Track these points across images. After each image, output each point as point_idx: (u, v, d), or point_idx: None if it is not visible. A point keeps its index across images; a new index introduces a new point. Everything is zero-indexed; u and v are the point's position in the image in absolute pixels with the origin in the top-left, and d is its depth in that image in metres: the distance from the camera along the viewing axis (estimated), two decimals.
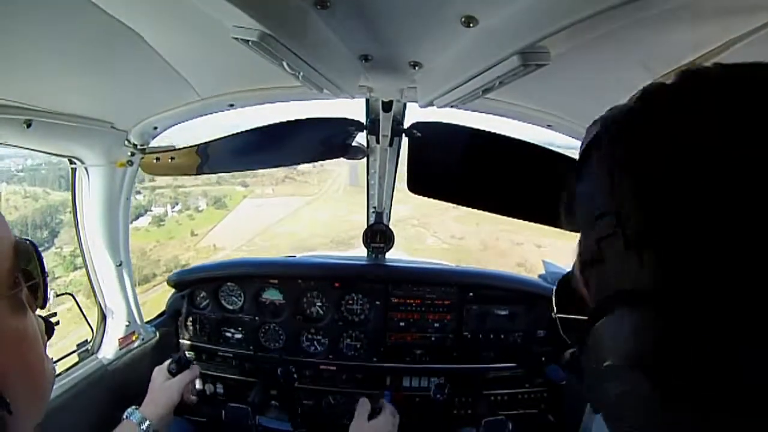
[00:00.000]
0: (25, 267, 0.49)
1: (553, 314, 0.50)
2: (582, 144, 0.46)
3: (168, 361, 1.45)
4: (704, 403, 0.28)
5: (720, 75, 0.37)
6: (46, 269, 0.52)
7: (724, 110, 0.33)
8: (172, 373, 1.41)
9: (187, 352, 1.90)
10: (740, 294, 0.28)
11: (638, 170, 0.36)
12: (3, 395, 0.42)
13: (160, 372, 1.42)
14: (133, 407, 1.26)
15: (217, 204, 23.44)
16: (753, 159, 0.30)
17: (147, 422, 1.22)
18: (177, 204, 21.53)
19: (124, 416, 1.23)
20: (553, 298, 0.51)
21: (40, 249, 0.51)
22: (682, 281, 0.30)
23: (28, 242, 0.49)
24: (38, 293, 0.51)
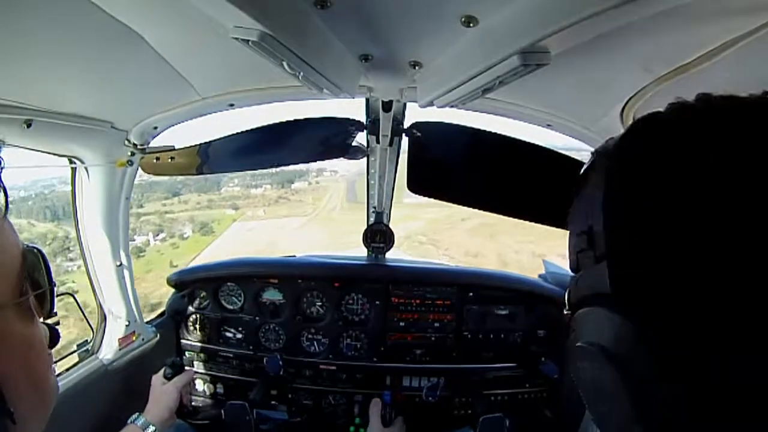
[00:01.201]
0: (33, 275, 0.48)
1: (565, 311, 0.57)
2: (582, 169, 0.52)
3: (163, 368, 1.48)
4: (648, 378, 0.38)
5: (681, 116, 0.44)
6: (53, 278, 0.51)
7: (677, 151, 0.40)
8: (168, 378, 1.45)
9: (187, 352, 1.91)
10: (673, 302, 0.36)
11: (606, 198, 0.43)
12: (7, 404, 0.42)
13: (157, 378, 1.46)
14: (137, 413, 1.29)
15: (203, 230, 21.89)
16: (690, 195, 0.36)
17: (151, 427, 1.26)
18: (161, 232, 19.65)
19: (129, 421, 1.27)
20: (565, 297, 0.57)
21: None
22: (632, 289, 0.39)
23: (36, 250, 0.49)
24: (45, 301, 0.51)
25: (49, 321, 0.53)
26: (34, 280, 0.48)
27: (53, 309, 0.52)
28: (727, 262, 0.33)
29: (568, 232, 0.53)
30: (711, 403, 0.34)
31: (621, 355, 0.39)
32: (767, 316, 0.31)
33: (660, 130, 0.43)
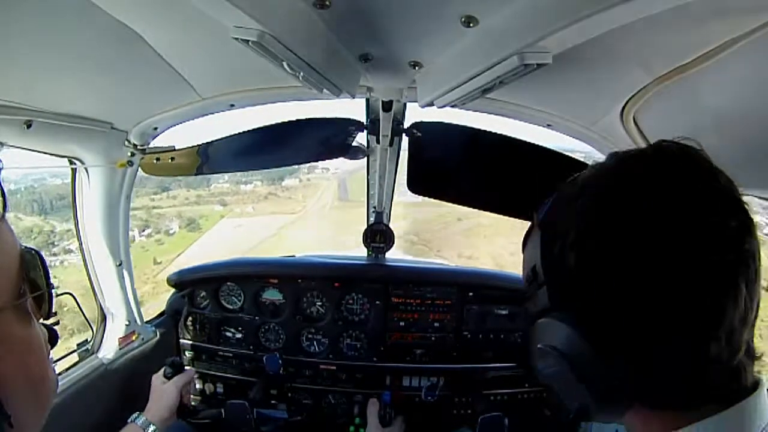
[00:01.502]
0: (31, 276, 0.48)
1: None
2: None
3: (163, 368, 1.48)
4: (595, 378, 0.53)
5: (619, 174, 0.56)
6: (52, 279, 0.51)
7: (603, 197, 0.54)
8: (168, 377, 1.44)
9: (187, 352, 1.91)
10: (592, 311, 0.52)
11: (544, 237, 0.60)
12: (5, 407, 0.42)
13: (157, 378, 1.45)
14: (138, 413, 1.29)
15: (190, 226, 21.12)
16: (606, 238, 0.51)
17: (152, 426, 1.26)
18: (147, 227, 19.31)
19: (129, 420, 1.27)
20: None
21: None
22: (562, 306, 0.56)
23: (34, 251, 0.49)
24: (43, 303, 0.50)
25: (47, 321, 0.53)
26: (32, 282, 0.48)
27: (52, 310, 0.52)
28: (621, 288, 0.50)
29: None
30: (634, 374, 0.50)
31: (567, 350, 0.54)
32: (646, 321, 0.49)
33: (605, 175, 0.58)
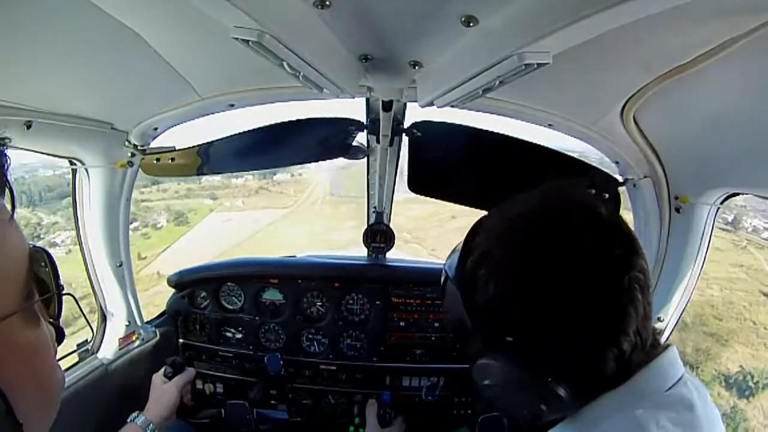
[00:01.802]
0: (40, 277, 0.47)
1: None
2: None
3: (164, 367, 1.47)
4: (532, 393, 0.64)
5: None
6: (61, 280, 0.50)
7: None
8: (169, 377, 1.44)
9: (187, 352, 1.91)
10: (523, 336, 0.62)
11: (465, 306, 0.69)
12: (15, 414, 0.40)
13: (158, 377, 1.45)
14: (137, 412, 1.29)
15: (178, 220, 20.34)
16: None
17: (151, 425, 1.25)
18: (135, 221, 18.08)
19: (129, 420, 1.26)
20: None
21: None
22: (492, 344, 0.65)
23: (42, 251, 0.48)
24: (52, 304, 0.49)
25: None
26: (40, 283, 0.47)
27: (61, 313, 0.51)
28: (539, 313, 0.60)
29: None
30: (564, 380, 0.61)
31: (504, 381, 0.65)
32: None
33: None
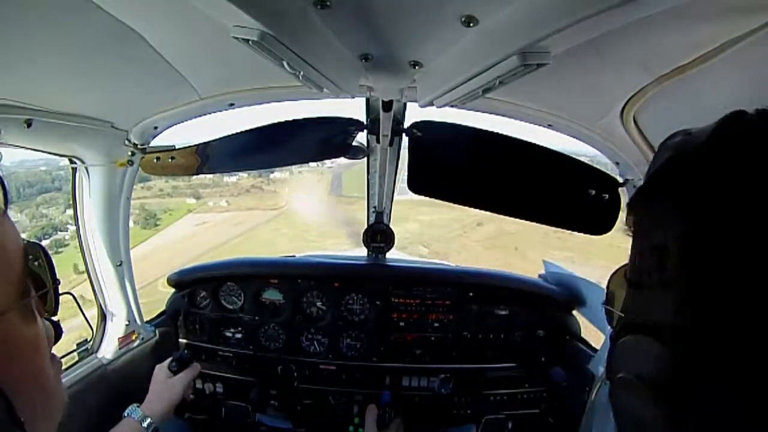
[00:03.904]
0: (35, 273, 0.46)
1: (602, 303, 0.53)
2: (652, 165, 0.46)
3: (169, 360, 1.45)
4: (703, 425, 0.33)
5: None
6: (57, 275, 0.49)
7: None
8: (173, 371, 1.41)
9: (186, 351, 1.91)
10: (745, 349, 0.31)
11: (693, 215, 0.36)
12: (17, 413, 0.40)
13: (161, 370, 1.41)
14: (134, 405, 1.25)
15: (147, 221, 17.83)
16: None
17: (148, 419, 1.22)
18: None
19: (125, 414, 1.22)
20: (606, 288, 0.53)
21: None
22: (699, 327, 0.34)
23: (37, 245, 0.47)
24: (48, 300, 0.48)
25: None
26: (36, 279, 0.46)
27: (58, 308, 0.50)
28: None
29: (630, 243, 0.47)
30: None
31: (670, 393, 0.34)
32: None
33: (755, 135, 0.36)
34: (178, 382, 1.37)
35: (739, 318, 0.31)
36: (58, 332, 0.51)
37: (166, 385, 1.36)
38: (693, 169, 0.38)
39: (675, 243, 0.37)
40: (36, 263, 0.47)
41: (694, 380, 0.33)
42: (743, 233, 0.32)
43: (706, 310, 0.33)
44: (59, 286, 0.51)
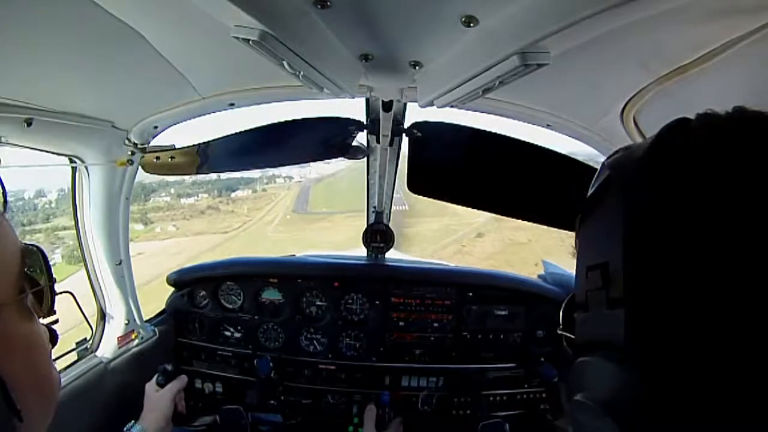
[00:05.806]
0: (31, 272, 0.48)
1: (558, 330, 0.55)
2: (593, 184, 0.45)
3: (156, 375, 1.48)
4: None
5: (732, 124, 0.36)
6: (53, 275, 0.51)
7: (722, 176, 0.33)
8: (161, 385, 1.44)
9: (186, 351, 1.91)
10: (696, 363, 0.30)
11: (629, 231, 0.36)
12: (14, 401, 0.42)
13: (151, 386, 1.46)
14: (132, 421, 1.29)
15: (77, 255, 17.37)
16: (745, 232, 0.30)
17: None
18: None
19: (125, 429, 1.26)
20: (560, 314, 0.54)
21: None
22: (650, 343, 0.33)
23: (35, 247, 0.49)
24: (43, 300, 0.50)
25: (45, 321, 0.52)
26: (33, 278, 0.48)
27: (53, 307, 0.51)
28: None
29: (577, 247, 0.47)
30: None
31: (624, 415, 0.33)
32: None
33: (694, 148, 0.36)
34: (167, 393, 1.41)
35: (684, 331, 0.31)
36: (53, 337, 0.53)
37: (156, 399, 1.40)
38: (629, 188, 0.38)
39: (616, 261, 0.36)
40: (34, 264, 0.49)
41: (649, 397, 0.31)
42: (682, 248, 0.32)
43: (651, 326, 0.33)
44: (54, 285, 0.52)
